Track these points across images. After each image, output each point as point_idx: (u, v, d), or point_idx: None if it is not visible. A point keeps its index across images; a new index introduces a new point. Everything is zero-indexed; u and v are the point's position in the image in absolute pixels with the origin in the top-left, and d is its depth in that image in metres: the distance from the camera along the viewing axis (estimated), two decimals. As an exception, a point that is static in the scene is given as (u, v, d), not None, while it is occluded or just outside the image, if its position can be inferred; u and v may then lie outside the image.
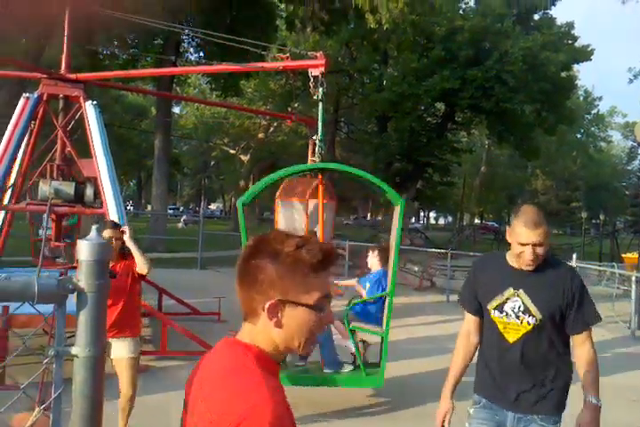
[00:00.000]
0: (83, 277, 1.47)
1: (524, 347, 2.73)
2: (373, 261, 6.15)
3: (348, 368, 5.55)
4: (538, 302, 2.69)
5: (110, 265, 4.20)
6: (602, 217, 37.54)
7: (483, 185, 57.14)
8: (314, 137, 6.13)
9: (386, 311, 5.44)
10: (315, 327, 1.33)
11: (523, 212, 2.65)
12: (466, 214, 68.16)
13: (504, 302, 2.75)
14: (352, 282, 6.56)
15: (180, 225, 39.19)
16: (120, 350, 4.38)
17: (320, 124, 6.35)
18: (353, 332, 5.56)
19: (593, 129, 70.64)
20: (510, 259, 2.78)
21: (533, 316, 2.70)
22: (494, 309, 2.78)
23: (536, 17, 34.84)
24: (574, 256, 12.25)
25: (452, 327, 10.09)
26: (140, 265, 4.37)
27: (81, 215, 9.31)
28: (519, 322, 2.73)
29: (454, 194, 48.33)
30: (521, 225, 2.60)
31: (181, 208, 68.58)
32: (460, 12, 33.65)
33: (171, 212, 47.55)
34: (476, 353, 3.02)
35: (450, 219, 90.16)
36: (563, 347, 2.80)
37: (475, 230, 32.67)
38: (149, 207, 33.43)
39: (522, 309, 2.71)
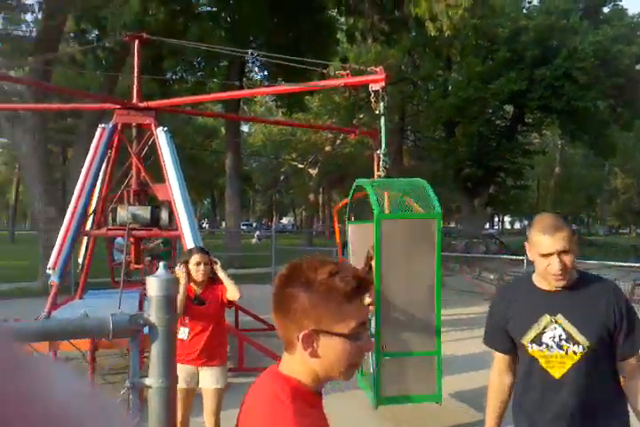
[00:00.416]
0: (153, 312, 1.57)
1: (574, 381, 2.32)
2: None
3: None
4: (581, 327, 2.30)
5: (199, 292, 4.30)
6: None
7: (558, 186, 55.39)
8: (377, 151, 6.15)
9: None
10: (353, 356, 1.31)
11: (537, 220, 2.35)
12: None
13: (542, 333, 2.36)
14: None
15: (254, 240, 39.89)
16: (208, 381, 4.30)
17: (383, 138, 6.38)
18: None
19: (674, 122, 67.30)
20: (538, 280, 2.42)
21: (579, 343, 2.30)
22: (531, 342, 2.39)
23: (605, 10, 33.63)
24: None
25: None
26: (232, 292, 4.40)
27: (174, 239, 9.72)
28: (564, 352, 2.33)
29: (529, 197, 47.05)
30: (539, 233, 2.28)
31: (254, 224, 69.75)
32: (524, 11, 33.01)
33: (244, 228, 48.45)
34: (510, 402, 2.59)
35: (525, 222, 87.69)
36: (616, 378, 2.40)
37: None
38: (224, 224, 34.21)
39: (564, 337, 2.32)
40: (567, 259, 2.25)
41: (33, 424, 0.31)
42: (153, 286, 1.58)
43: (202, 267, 4.24)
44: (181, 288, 3.99)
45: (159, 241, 10.42)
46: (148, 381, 1.54)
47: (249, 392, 1.41)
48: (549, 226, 2.26)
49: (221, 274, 4.39)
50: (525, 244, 2.40)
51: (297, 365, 1.33)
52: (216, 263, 4.43)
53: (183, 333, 4.11)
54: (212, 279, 4.39)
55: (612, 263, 14.31)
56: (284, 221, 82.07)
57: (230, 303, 4.51)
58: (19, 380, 0.33)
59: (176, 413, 1.57)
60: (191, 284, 4.27)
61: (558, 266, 2.24)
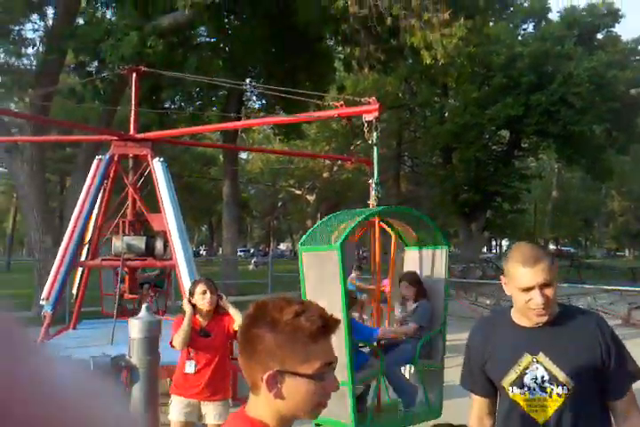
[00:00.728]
0: (135, 354, 1.58)
1: (559, 426, 2.11)
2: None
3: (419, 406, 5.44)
4: (565, 366, 2.11)
5: (205, 324, 4.16)
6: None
7: (555, 210, 55.49)
8: (370, 181, 6.18)
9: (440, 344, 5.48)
10: (318, 396, 1.29)
11: (515, 250, 2.16)
12: (540, 240, 66.17)
13: (523, 374, 2.16)
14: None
15: (252, 267, 39.80)
16: (212, 415, 4.15)
17: (375, 167, 6.42)
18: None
19: (670, 145, 67.85)
20: (517, 316, 2.22)
21: (563, 384, 2.10)
22: (512, 385, 2.18)
23: (599, 36, 34.22)
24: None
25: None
26: (240, 321, 4.38)
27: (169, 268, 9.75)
28: (547, 395, 2.12)
29: (526, 221, 47.12)
30: (517, 266, 2.08)
31: (252, 250, 69.65)
32: (519, 38, 33.53)
33: (242, 254, 48.35)
34: None
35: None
36: (606, 420, 2.19)
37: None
38: (221, 250, 34.18)
39: (546, 378, 2.12)
40: (549, 292, 2.07)
41: (40, 405, 0.34)
42: (134, 327, 1.60)
43: (208, 296, 4.14)
44: (186, 320, 3.93)
45: (156, 272, 10.45)
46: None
47: None
48: (529, 257, 2.07)
49: (226, 305, 4.31)
50: (502, 277, 2.20)
51: (262, 406, 1.31)
52: (221, 298, 4.33)
53: (190, 366, 3.92)
54: (218, 311, 4.28)
55: (609, 287, 14.27)
56: (282, 246, 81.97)
57: (237, 334, 4.42)
58: (30, 363, 0.36)
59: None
60: (197, 315, 4.16)
61: (540, 300, 2.04)
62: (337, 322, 1.36)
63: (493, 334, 2.30)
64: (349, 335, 4.77)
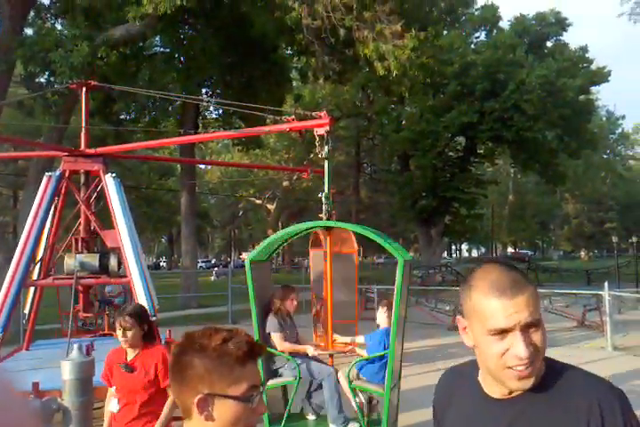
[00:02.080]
0: (66, 396, 1.57)
1: None
2: (382, 317, 5.95)
3: (353, 426, 5.40)
4: None
5: (131, 357, 3.55)
6: (634, 238, 36.46)
7: (512, 214, 56.56)
8: (320, 194, 6.21)
9: (387, 371, 5.24)
10: (246, 418, 1.35)
11: (480, 276, 1.39)
12: (498, 244, 67.33)
13: None
14: (348, 340, 6.32)
15: (213, 278, 39.48)
16: None
17: (326, 180, 6.46)
18: (355, 391, 5.54)
19: (620, 148, 70.00)
20: (487, 381, 1.46)
21: None
22: None
23: (549, 44, 35.09)
24: (606, 285, 12.00)
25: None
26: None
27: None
28: None
29: (484, 225, 47.93)
30: (487, 298, 1.34)
31: (213, 260, 69.07)
32: (472, 46, 34.15)
33: (203, 265, 47.88)
34: None
35: (483, 250, 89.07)
36: None
37: (508, 262, 32.12)
38: (181, 262, 33.86)
39: None
40: (537, 337, 1.34)
41: None
42: (66, 369, 1.58)
43: (127, 334, 3.49)
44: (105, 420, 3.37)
45: (119, 290, 10.30)
46: (61, 468, 1.53)
47: None
48: (504, 285, 1.34)
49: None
50: (458, 318, 1.49)
51: None
52: (151, 325, 3.71)
53: (113, 404, 3.47)
54: (150, 342, 3.67)
55: (563, 291, 14.62)
56: (244, 255, 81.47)
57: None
58: None
59: None
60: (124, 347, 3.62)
61: (524, 351, 1.31)
62: (262, 348, 1.45)
63: (449, 405, 1.58)
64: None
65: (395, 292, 5.29)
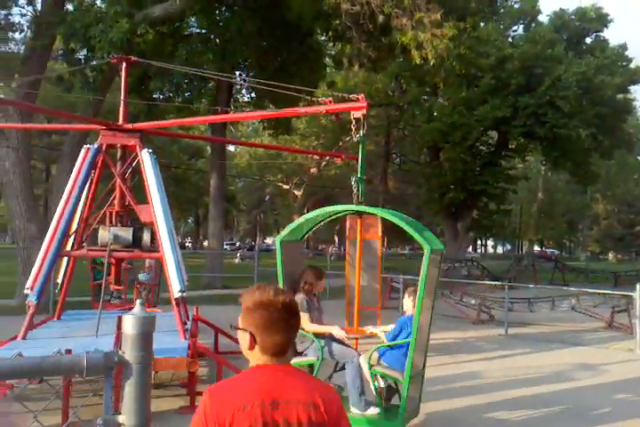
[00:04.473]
0: (127, 350, 1.59)
1: None
2: (408, 303, 5.89)
3: (373, 411, 5.41)
4: None
5: None
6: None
7: (541, 211, 55.91)
8: (352, 178, 6.20)
9: (408, 358, 5.26)
10: None
11: None
12: (525, 242, 66.66)
13: None
14: (379, 330, 6.11)
15: (237, 260, 39.76)
16: None
17: (360, 164, 6.45)
18: (375, 376, 5.53)
19: (655, 150, 68.60)
20: None
21: None
22: None
23: (588, 40, 34.39)
24: (638, 286, 11.81)
25: (511, 362, 9.88)
26: None
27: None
28: None
29: (512, 222, 47.43)
30: None
31: (238, 243, 69.42)
32: (509, 39, 33.62)
33: (227, 247, 48.23)
34: None
35: (508, 246, 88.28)
36: None
37: (533, 259, 31.82)
38: (207, 243, 34.11)
39: None
40: None
41: None
42: (128, 323, 1.60)
43: None
44: None
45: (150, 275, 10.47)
46: (120, 418, 1.56)
47: None
48: None
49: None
50: None
51: None
52: None
53: None
54: None
55: (592, 291, 14.42)
56: (268, 240, 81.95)
57: None
58: None
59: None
60: None
61: None
62: None
63: None
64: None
65: (420, 283, 5.26)
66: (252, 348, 1.89)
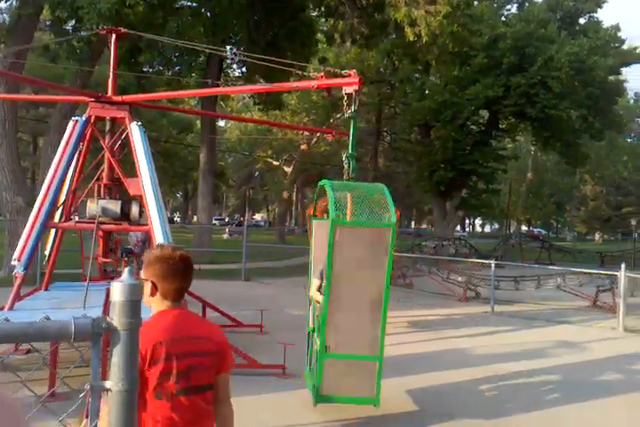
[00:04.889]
0: (115, 317, 1.59)
1: None
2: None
3: None
4: None
5: None
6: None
7: (529, 192, 56.15)
8: (343, 153, 6.18)
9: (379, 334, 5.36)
10: None
11: None
12: (513, 222, 67.06)
13: None
14: None
15: (226, 236, 39.76)
16: None
17: (351, 140, 6.43)
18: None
19: (645, 133, 68.80)
20: None
21: None
22: None
23: (582, 21, 34.22)
24: (623, 266, 11.95)
25: (496, 339, 10.02)
26: None
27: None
28: None
29: (500, 201, 47.64)
30: None
31: (226, 219, 69.35)
32: (503, 18, 33.37)
33: (216, 223, 48.19)
34: None
35: (496, 226, 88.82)
36: None
37: (521, 238, 32.05)
38: (195, 218, 34.06)
39: None
40: None
41: None
42: (116, 291, 1.60)
43: None
44: None
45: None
46: (107, 384, 1.56)
47: None
48: None
49: None
50: None
51: None
52: None
53: None
54: None
55: (578, 270, 14.57)
56: (257, 217, 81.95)
57: None
58: None
59: (135, 416, 1.59)
60: None
61: None
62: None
63: None
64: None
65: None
66: (153, 294, 2.31)
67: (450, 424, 5.67)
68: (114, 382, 1.56)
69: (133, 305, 1.60)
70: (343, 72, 6.89)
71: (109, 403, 1.58)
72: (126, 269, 1.69)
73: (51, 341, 1.59)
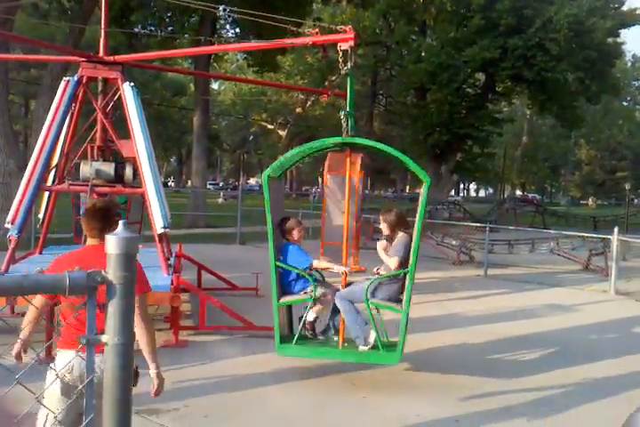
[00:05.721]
0: (111, 270, 1.57)
1: None
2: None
3: (367, 346, 5.43)
4: None
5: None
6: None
7: (524, 156, 56.01)
8: (341, 112, 6.09)
9: (406, 290, 5.29)
10: None
11: None
12: (507, 186, 67.13)
13: None
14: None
15: (220, 200, 39.70)
16: None
17: (349, 98, 6.33)
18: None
19: (641, 97, 68.36)
20: None
21: None
22: None
23: (581, -20, 33.45)
24: (616, 230, 12.02)
25: (488, 302, 10.12)
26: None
27: (130, 195, 9.64)
28: None
29: (495, 165, 47.56)
30: None
31: (221, 183, 69.12)
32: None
33: (211, 187, 48.05)
34: None
35: (491, 190, 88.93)
36: None
37: (515, 203, 32.15)
38: (190, 183, 33.93)
39: None
40: None
41: None
42: (111, 243, 1.58)
43: None
44: None
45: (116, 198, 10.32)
46: (104, 338, 1.56)
47: None
48: None
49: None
50: None
51: None
52: None
53: None
54: None
55: (571, 233, 14.66)
56: (252, 181, 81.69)
57: None
58: None
59: (132, 369, 1.59)
60: None
61: None
62: None
63: None
64: (274, 258, 5.37)
65: (418, 214, 5.32)
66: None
67: (438, 376, 5.78)
68: (110, 336, 1.56)
69: (128, 258, 1.59)
70: (338, 28, 6.76)
71: (106, 356, 1.57)
72: (121, 222, 1.67)
73: (45, 293, 1.57)
